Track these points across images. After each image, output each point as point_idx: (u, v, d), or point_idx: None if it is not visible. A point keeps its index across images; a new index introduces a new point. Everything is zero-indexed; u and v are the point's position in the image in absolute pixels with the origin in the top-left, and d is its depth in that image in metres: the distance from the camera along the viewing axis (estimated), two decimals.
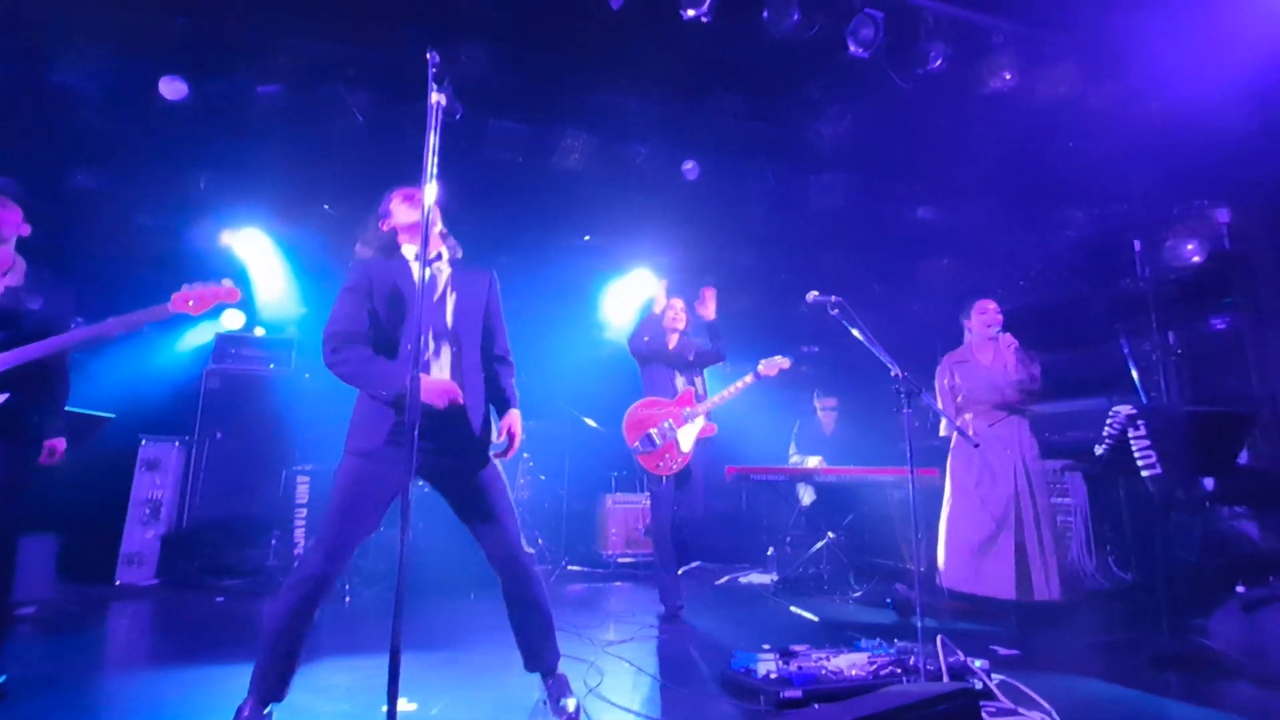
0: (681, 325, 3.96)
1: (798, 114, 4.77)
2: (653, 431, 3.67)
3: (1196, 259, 4.67)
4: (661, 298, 4.01)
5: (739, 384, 3.84)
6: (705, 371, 4.05)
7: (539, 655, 2.19)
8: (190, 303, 2.38)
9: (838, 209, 5.34)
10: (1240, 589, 3.42)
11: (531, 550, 2.24)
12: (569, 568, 5.20)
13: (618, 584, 4.79)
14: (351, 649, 2.92)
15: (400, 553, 1.41)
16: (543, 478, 5.49)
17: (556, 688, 2.17)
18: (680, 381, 3.87)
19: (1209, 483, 3.85)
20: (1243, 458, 4.11)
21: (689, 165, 5.00)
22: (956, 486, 3.60)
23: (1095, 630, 3.58)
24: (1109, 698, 2.51)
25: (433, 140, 1.50)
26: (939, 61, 3.92)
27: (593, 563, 5.48)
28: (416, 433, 1.53)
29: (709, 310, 3.94)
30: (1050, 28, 4.07)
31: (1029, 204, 5.50)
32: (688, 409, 3.75)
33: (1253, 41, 3.70)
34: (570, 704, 2.11)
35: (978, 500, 3.48)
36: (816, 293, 2.93)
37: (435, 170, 1.52)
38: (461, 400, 2.03)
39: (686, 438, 3.70)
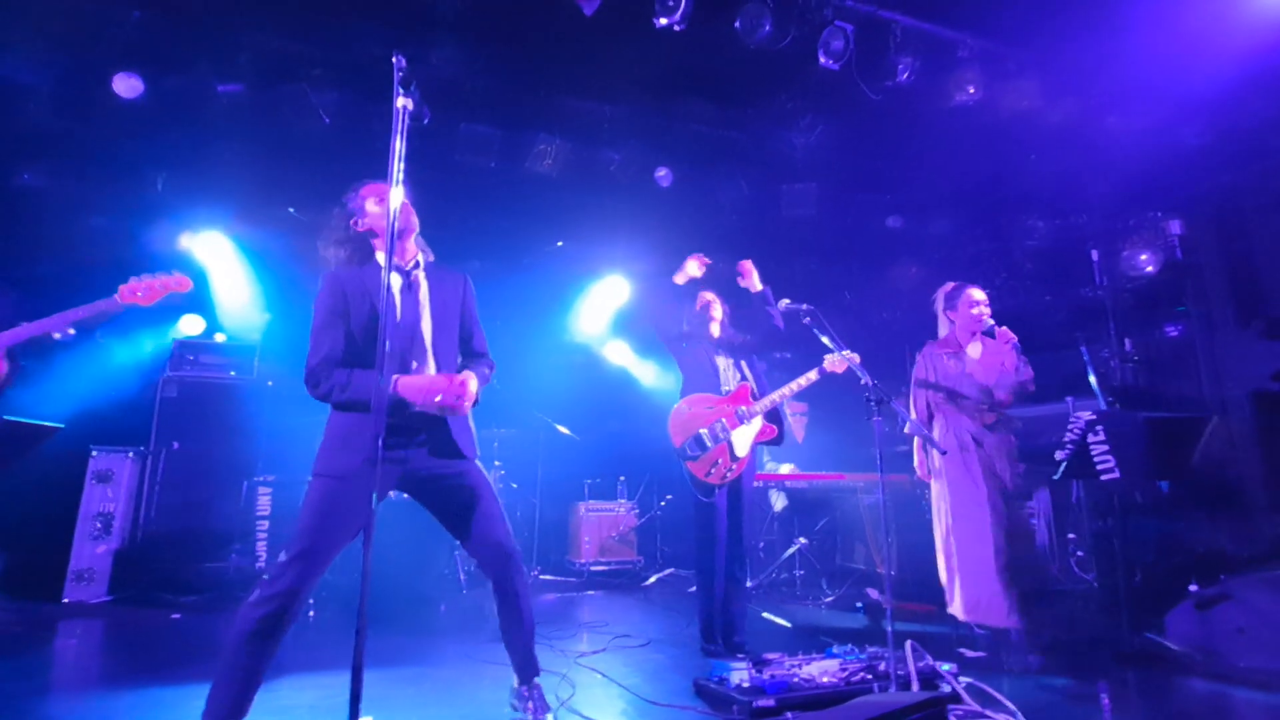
0: (719, 315, 3.44)
1: (770, 123, 4.83)
2: (703, 432, 3.13)
3: (1151, 269, 4.83)
4: (694, 268, 3.41)
5: (802, 380, 3.26)
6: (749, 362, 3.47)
7: (528, 662, 2.16)
8: (139, 294, 2.29)
9: (809, 217, 5.41)
10: (1193, 588, 3.54)
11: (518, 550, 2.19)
12: (541, 577, 5.14)
13: (591, 593, 4.75)
14: (316, 666, 2.83)
15: (363, 568, 1.37)
16: (515, 485, 5.42)
17: (536, 702, 2.13)
18: (727, 369, 3.32)
19: (1164, 485, 3.99)
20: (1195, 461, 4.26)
21: (662, 172, 5.01)
22: (961, 499, 3.07)
23: (1059, 630, 3.66)
24: (1072, 696, 2.56)
25: (398, 145, 1.46)
26: (907, 74, 4.01)
27: (565, 572, 5.43)
28: (383, 444, 1.49)
29: (754, 281, 3.40)
30: (1013, 44, 4.20)
31: (993, 214, 5.64)
32: (743, 407, 3.20)
33: (1201, 63, 3.87)
34: None
35: (989, 513, 2.98)
36: (789, 300, 2.95)
37: (402, 175, 1.48)
38: (449, 402, 1.96)
39: (742, 441, 3.16)
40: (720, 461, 3.12)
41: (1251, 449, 4.10)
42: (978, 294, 3.29)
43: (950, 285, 3.43)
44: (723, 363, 3.32)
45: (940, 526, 3.17)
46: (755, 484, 4.75)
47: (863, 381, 2.53)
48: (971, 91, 4.19)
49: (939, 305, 3.44)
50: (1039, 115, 4.38)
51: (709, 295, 3.45)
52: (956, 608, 3.05)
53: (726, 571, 3.21)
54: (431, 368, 2.07)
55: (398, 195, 1.49)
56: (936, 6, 3.96)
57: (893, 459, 5.55)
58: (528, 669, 2.15)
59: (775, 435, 3.29)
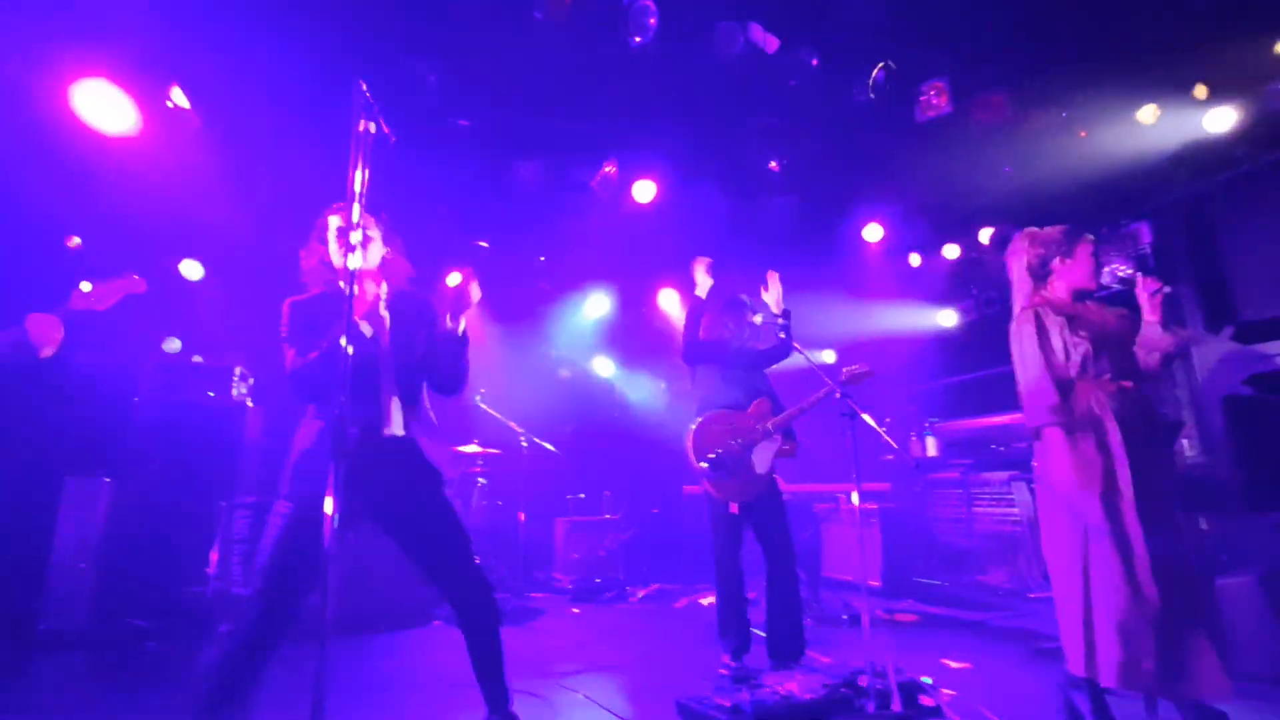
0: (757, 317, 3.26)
1: (747, 139, 4.88)
2: (724, 449, 3.05)
3: (1124, 274, 4.92)
4: (705, 280, 3.32)
5: (819, 395, 3.13)
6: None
7: (499, 694, 2.13)
8: (94, 299, 2.28)
9: (788, 230, 5.46)
10: None
11: (486, 578, 2.17)
12: (524, 594, 5.09)
13: (575, 610, 4.71)
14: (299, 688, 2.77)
15: (323, 596, 1.34)
16: (499, 503, 5.38)
17: None
18: (744, 383, 3.24)
19: None
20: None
21: (642, 188, 5.05)
22: (1096, 516, 2.12)
23: (1043, 637, 3.67)
24: (1057, 707, 2.55)
25: (360, 171, 1.46)
26: (878, 90, 4.08)
27: (549, 588, 5.38)
28: (346, 473, 1.48)
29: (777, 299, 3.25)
30: (983, 61, 4.28)
31: (972, 225, 5.72)
32: (763, 424, 3.13)
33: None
34: None
35: (1139, 532, 2.07)
36: (762, 315, 2.97)
37: (363, 199, 1.48)
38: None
39: (762, 458, 3.09)
40: (741, 478, 3.05)
41: (1224, 453, 4.15)
42: (1091, 241, 2.51)
43: (1058, 229, 2.52)
44: (740, 376, 3.25)
45: (1065, 552, 2.22)
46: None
47: (836, 396, 2.55)
48: (943, 106, 4.27)
49: (1026, 253, 2.51)
50: (1010, 126, 4.47)
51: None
52: (1095, 668, 2.11)
53: (776, 581, 3.09)
54: (394, 404, 2.06)
55: (356, 213, 1.47)
56: (907, 25, 4.04)
57: (875, 468, 5.58)
58: (502, 699, 2.11)
59: (792, 450, 3.21)
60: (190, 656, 3.54)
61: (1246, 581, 2.83)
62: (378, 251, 2.16)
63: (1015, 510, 4.80)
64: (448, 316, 2.11)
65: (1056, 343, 2.32)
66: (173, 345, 5.17)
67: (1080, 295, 2.46)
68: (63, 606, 4.05)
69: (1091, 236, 2.52)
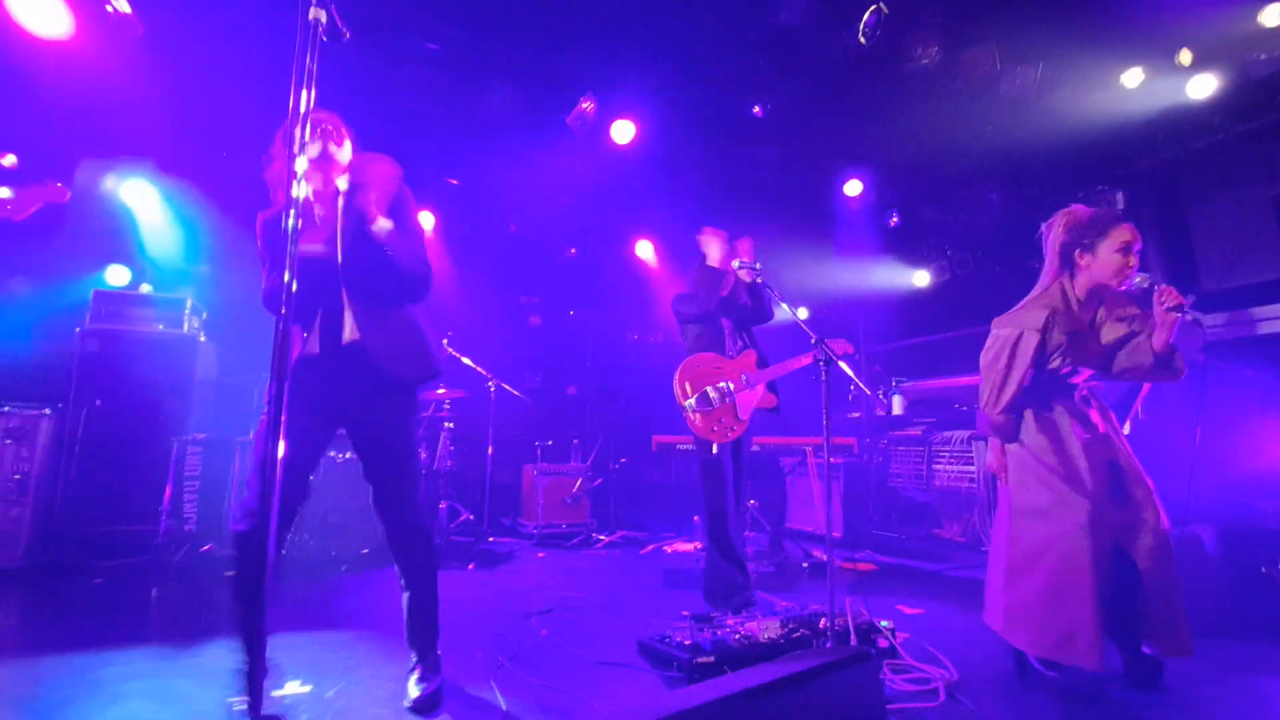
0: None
1: (730, 85, 4.71)
2: (710, 390, 3.14)
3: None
4: (717, 251, 3.40)
5: (805, 359, 3.28)
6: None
7: (423, 633, 2.12)
8: (8, 207, 2.09)
9: (768, 180, 5.35)
10: None
11: (425, 525, 2.13)
12: (491, 539, 5.09)
13: (540, 555, 4.73)
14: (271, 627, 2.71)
15: (271, 522, 1.25)
16: (465, 448, 5.31)
17: (425, 669, 2.08)
18: (732, 334, 3.35)
19: None
20: (1128, 428, 4.45)
21: (620, 130, 4.86)
22: (1053, 497, 2.14)
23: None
24: (1005, 652, 2.64)
25: (308, 63, 1.31)
26: (868, 34, 3.94)
27: (516, 534, 5.39)
28: (311, 383, 1.38)
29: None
30: (971, 14, 4.16)
31: (950, 184, 5.69)
32: (749, 374, 3.25)
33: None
34: (416, 690, 2.01)
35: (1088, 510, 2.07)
36: (739, 261, 2.90)
37: (312, 98, 1.33)
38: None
39: (745, 404, 3.21)
40: (724, 420, 3.16)
41: (1175, 414, 4.29)
42: (1128, 233, 2.15)
43: (1083, 210, 2.24)
44: (728, 326, 3.36)
45: (1014, 528, 2.24)
46: (686, 448, 4.58)
47: (812, 341, 2.51)
48: (934, 53, 4.16)
49: (1058, 237, 2.26)
50: (995, 84, 4.39)
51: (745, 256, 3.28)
52: (1025, 640, 2.18)
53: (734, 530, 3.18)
54: (345, 301, 1.96)
55: (306, 119, 1.33)
56: None
57: (840, 425, 5.62)
58: (423, 642, 2.11)
59: (775, 404, 3.30)
60: (141, 593, 3.45)
61: (1194, 537, 2.94)
62: (347, 152, 2.01)
63: (972, 468, 4.93)
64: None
65: (1024, 363, 2.20)
66: (121, 275, 4.88)
67: (1100, 294, 2.22)
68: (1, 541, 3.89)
69: (1126, 227, 2.16)
